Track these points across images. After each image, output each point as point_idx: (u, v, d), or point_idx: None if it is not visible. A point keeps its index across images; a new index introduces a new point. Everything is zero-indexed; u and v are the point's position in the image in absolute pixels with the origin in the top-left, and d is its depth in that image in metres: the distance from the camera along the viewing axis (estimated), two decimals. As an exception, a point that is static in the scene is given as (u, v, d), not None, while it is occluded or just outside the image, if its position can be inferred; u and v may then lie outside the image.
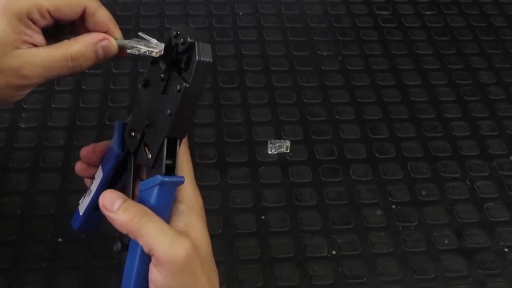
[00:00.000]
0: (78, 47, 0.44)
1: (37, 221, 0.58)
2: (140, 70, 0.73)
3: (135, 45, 0.43)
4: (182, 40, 0.40)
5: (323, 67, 0.75)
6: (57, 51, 0.43)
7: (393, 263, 0.57)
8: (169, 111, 0.40)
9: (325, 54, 0.77)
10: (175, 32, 0.41)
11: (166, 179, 0.40)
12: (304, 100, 0.71)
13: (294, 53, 0.77)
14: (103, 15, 0.44)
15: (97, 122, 0.67)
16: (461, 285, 0.56)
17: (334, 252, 0.58)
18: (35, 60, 0.42)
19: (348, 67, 0.76)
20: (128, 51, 0.44)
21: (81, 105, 0.68)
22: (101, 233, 0.57)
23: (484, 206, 0.63)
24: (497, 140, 0.69)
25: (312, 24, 0.81)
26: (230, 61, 0.75)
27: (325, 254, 0.57)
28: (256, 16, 0.81)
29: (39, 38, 0.43)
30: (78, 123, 0.67)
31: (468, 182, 0.65)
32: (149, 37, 0.43)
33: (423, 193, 0.63)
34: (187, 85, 0.40)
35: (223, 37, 0.78)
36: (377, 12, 0.84)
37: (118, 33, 0.46)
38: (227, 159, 0.64)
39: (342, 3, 0.85)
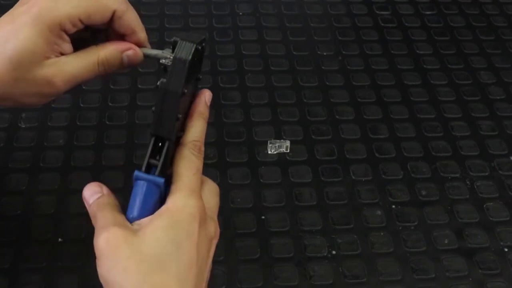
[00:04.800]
0: (104, 53, 0.45)
1: (37, 221, 0.58)
2: (140, 70, 0.73)
3: (167, 55, 0.44)
4: (172, 40, 0.42)
5: (323, 67, 0.75)
6: (85, 57, 0.44)
7: (393, 263, 0.57)
8: (153, 108, 0.41)
9: (325, 54, 0.77)
10: (174, 38, 0.42)
11: (141, 175, 0.41)
12: (304, 100, 0.71)
13: (294, 53, 0.77)
14: (130, 18, 0.45)
15: (97, 122, 0.67)
16: (461, 285, 0.56)
17: (334, 252, 0.58)
18: (65, 67, 0.43)
19: (348, 67, 0.76)
20: (161, 61, 0.44)
21: (81, 105, 0.69)
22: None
23: (484, 206, 0.63)
24: (497, 140, 0.69)
25: (312, 24, 0.81)
26: (230, 61, 0.75)
27: (325, 254, 0.57)
28: (256, 16, 0.81)
29: (67, 47, 0.44)
30: (78, 123, 0.67)
31: (468, 182, 0.65)
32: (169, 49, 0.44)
33: (423, 193, 0.63)
34: (164, 81, 0.41)
35: (223, 37, 0.78)
36: (377, 12, 0.84)
37: (143, 35, 0.47)
38: (227, 159, 0.64)
39: (342, 3, 0.85)
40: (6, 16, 0.44)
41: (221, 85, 0.72)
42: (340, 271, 0.56)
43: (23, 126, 0.66)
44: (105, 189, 0.43)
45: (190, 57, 0.41)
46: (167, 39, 0.76)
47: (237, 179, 0.63)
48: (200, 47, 0.43)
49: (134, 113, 0.68)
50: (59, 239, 0.56)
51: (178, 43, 0.42)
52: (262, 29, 0.80)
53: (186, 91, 0.42)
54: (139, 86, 0.71)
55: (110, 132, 0.66)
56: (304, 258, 0.57)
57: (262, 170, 0.64)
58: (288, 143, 0.66)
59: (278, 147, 0.66)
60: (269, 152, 0.66)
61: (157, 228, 0.39)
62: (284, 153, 0.66)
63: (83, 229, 0.57)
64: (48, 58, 0.42)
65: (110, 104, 0.69)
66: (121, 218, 0.40)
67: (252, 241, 0.58)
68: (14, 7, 0.44)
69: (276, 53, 0.77)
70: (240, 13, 0.82)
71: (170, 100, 0.41)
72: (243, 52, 0.76)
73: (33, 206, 0.59)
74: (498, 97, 0.74)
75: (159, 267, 0.37)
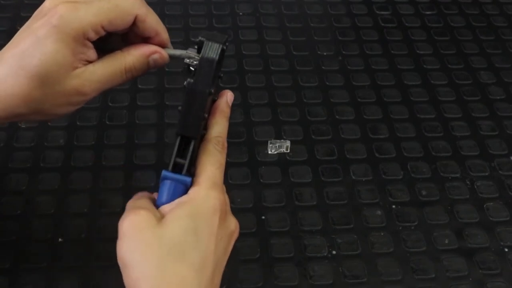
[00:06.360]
0: (131, 59, 0.45)
1: (37, 221, 0.58)
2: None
3: (192, 55, 0.44)
4: (197, 40, 0.43)
5: (323, 67, 0.75)
6: (112, 65, 0.44)
7: (393, 263, 0.57)
8: (179, 108, 0.42)
9: (325, 54, 0.77)
10: (200, 38, 0.43)
11: (169, 174, 0.41)
12: (304, 100, 0.71)
13: (294, 53, 0.77)
14: (152, 21, 0.45)
15: (97, 122, 0.67)
16: (461, 285, 0.56)
17: (334, 252, 0.58)
18: (93, 77, 0.43)
19: (348, 67, 0.76)
20: (186, 61, 0.44)
21: (81, 105, 0.68)
22: (101, 233, 0.57)
23: (484, 206, 0.63)
24: (497, 140, 0.69)
25: (312, 24, 0.81)
26: (230, 61, 0.75)
27: (325, 254, 0.57)
28: (256, 16, 0.81)
29: (92, 53, 0.44)
30: (78, 123, 0.67)
31: (468, 182, 0.65)
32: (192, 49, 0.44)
33: (423, 193, 0.63)
34: (191, 81, 0.42)
35: (223, 37, 0.78)
36: (377, 12, 0.84)
37: (166, 36, 0.46)
38: (227, 159, 0.64)
39: (342, 3, 0.85)
40: (24, 30, 0.43)
41: (221, 85, 0.72)
42: (340, 271, 0.56)
43: (23, 126, 0.66)
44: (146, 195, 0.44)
45: (217, 57, 0.42)
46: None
47: (237, 179, 0.63)
48: (225, 47, 0.44)
49: (134, 113, 0.68)
50: (59, 239, 0.56)
51: (204, 43, 0.42)
52: (262, 29, 0.80)
53: (213, 90, 0.42)
54: (139, 86, 0.71)
55: (110, 132, 0.66)
56: (304, 258, 0.57)
57: (262, 170, 0.64)
58: (288, 143, 0.66)
59: (278, 147, 0.66)
60: (269, 152, 0.66)
61: (179, 216, 0.39)
62: (284, 153, 0.66)
63: (83, 229, 0.57)
64: (75, 68, 0.42)
65: (110, 104, 0.69)
66: (151, 205, 0.41)
67: (252, 241, 0.58)
68: (30, 20, 0.43)
69: (276, 53, 0.77)
70: (240, 13, 0.82)
71: (198, 100, 0.42)
72: (243, 52, 0.76)
73: (33, 206, 0.59)
74: (498, 97, 0.74)
75: (179, 256, 0.38)
